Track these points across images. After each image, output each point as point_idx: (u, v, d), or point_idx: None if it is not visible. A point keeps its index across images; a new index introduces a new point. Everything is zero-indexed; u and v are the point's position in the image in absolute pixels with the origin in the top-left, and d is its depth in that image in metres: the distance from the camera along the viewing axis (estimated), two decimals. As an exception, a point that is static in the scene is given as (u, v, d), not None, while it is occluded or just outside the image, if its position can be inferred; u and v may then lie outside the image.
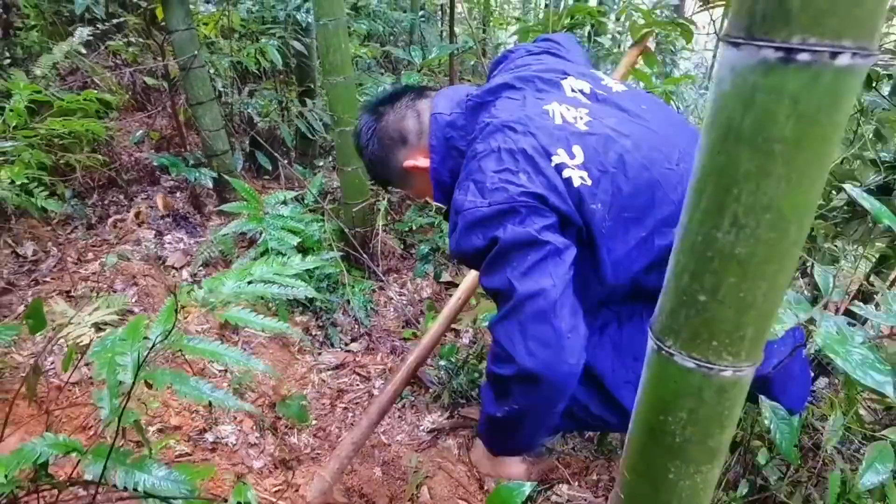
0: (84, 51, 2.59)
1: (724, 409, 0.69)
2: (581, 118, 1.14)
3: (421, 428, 2.13)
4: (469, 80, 3.69)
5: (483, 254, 1.10)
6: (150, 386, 0.86)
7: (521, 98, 1.20)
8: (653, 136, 1.15)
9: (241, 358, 0.87)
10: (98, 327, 1.59)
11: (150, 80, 3.48)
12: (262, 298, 2.41)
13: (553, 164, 1.07)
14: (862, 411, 2.04)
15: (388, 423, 2.11)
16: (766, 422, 1.07)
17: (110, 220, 2.66)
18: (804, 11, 0.45)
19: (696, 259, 0.60)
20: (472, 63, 3.86)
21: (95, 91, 2.34)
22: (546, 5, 4.13)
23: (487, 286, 1.14)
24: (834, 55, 0.47)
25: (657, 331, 0.68)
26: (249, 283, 0.96)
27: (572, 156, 1.08)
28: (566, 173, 1.07)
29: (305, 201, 2.78)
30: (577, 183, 1.06)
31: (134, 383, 0.86)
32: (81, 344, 1.36)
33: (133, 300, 2.20)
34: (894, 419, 1.79)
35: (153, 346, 0.85)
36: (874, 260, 2.14)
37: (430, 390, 2.25)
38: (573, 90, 1.21)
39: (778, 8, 0.47)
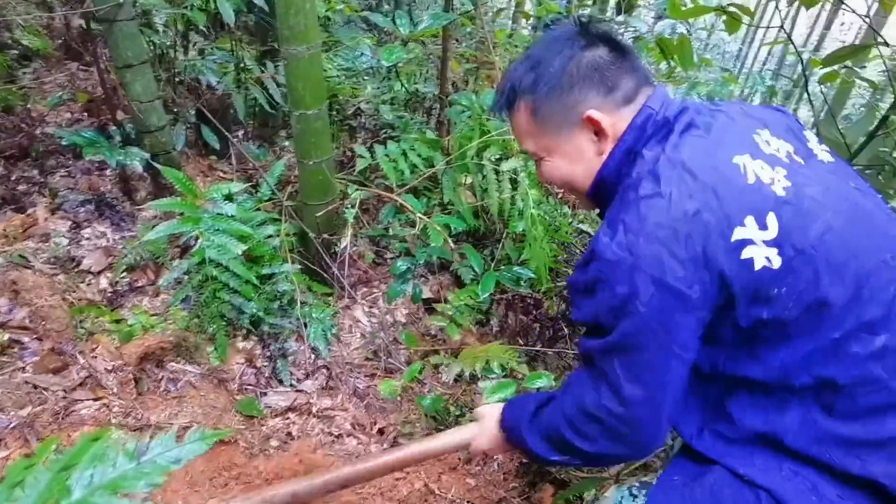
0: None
1: None
2: (779, 180, 0.91)
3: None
4: (462, 51, 3.16)
5: (601, 312, 0.93)
6: None
7: (708, 136, 0.94)
8: (866, 219, 0.93)
9: None
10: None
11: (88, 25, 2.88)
12: (200, 318, 1.96)
13: (733, 240, 0.86)
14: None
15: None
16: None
17: (11, 207, 2.15)
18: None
19: None
20: (469, 30, 3.31)
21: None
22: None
23: (585, 349, 0.98)
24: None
25: None
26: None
27: (764, 227, 0.88)
28: (747, 253, 0.87)
29: (259, 193, 2.30)
30: (758, 265, 0.87)
31: None
32: None
33: (21, 323, 1.73)
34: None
35: None
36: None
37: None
38: (769, 144, 0.97)
39: None
